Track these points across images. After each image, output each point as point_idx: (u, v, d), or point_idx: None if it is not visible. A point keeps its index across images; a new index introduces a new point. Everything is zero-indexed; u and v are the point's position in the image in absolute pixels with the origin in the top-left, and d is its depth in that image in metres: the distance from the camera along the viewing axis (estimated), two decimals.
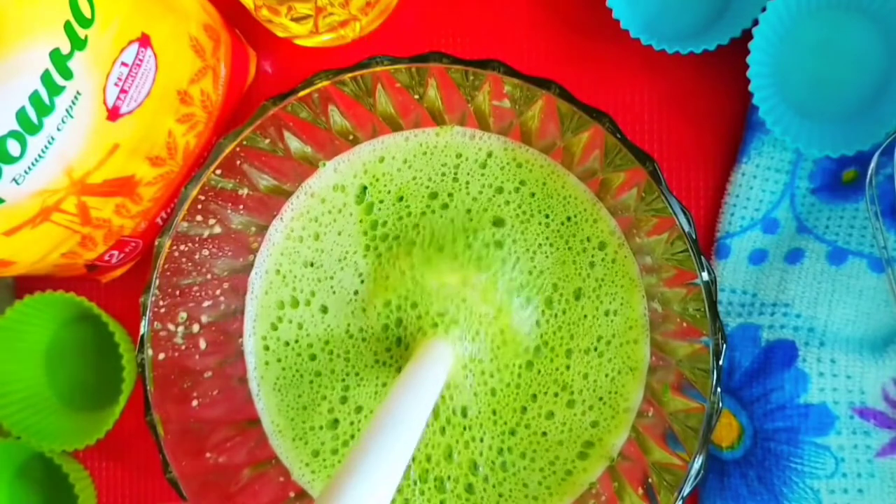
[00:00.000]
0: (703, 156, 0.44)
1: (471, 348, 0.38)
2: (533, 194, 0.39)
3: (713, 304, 0.34)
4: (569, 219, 0.39)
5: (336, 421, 0.40)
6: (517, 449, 0.39)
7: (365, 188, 0.40)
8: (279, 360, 0.41)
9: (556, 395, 0.39)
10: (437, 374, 0.36)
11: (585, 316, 0.39)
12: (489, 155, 0.39)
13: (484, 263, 0.38)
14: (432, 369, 0.36)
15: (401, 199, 0.40)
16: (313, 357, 0.41)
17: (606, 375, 0.38)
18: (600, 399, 0.38)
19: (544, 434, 0.39)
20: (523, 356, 0.39)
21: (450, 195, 0.40)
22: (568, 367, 0.39)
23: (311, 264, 0.40)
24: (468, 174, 0.39)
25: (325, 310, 0.40)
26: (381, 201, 0.40)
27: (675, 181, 0.44)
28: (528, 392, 0.39)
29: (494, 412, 0.39)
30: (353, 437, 0.40)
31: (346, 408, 0.40)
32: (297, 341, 0.41)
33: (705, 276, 0.34)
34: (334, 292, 0.40)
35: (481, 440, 0.39)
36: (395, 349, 0.40)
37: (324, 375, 0.40)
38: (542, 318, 0.39)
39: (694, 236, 0.34)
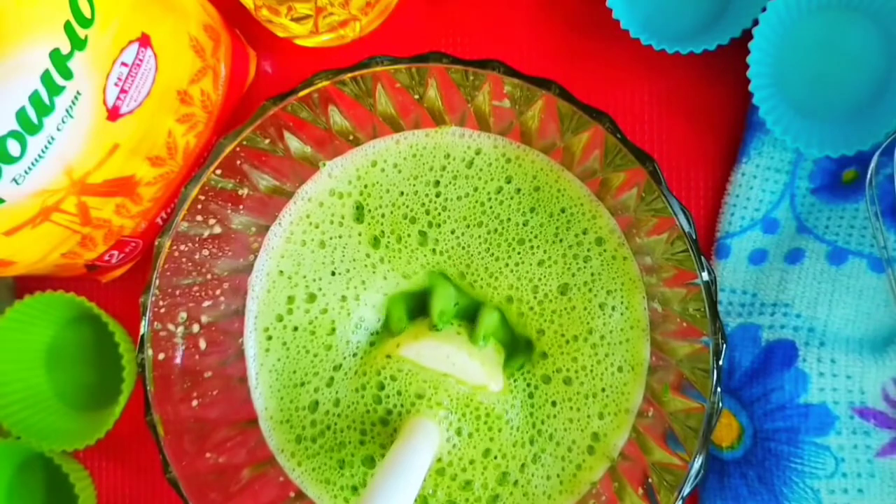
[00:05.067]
0: (703, 156, 0.44)
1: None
2: (519, 190, 0.39)
3: (713, 304, 0.34)
4: (563, 210, 0.38)
5: (316, 403, 0.40)
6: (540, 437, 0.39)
7: (361, 207, 0.40)
8: (284, 344, 0.41)
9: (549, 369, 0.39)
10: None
11: (574, 307, 0.38)
12: (477, 153, 0.39)
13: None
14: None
15: (399, 239, 0.40)
16: (332, 331, 0.40)
17: (606, 369, 0.38)
18: (602, 390, 0.38)
19: (554, 404, 0.39)
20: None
21: (434, 222, 0.40)
22: (542, 331, 0.39)
23: (334, 273, 0.40)
24: (454, 180, 0.39)
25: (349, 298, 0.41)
26: (383, 234, 0.40)
27: (675, 181, 0.44)
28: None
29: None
30: (328, 427, 0.40)
31: (330, 391, 0.40)
32: (310, 322, 0.40)
33: (705, 276, 0.34)
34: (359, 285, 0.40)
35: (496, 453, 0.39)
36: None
37: (334, 348, 0.40)
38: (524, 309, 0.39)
39: (694, 236, 0.34)
